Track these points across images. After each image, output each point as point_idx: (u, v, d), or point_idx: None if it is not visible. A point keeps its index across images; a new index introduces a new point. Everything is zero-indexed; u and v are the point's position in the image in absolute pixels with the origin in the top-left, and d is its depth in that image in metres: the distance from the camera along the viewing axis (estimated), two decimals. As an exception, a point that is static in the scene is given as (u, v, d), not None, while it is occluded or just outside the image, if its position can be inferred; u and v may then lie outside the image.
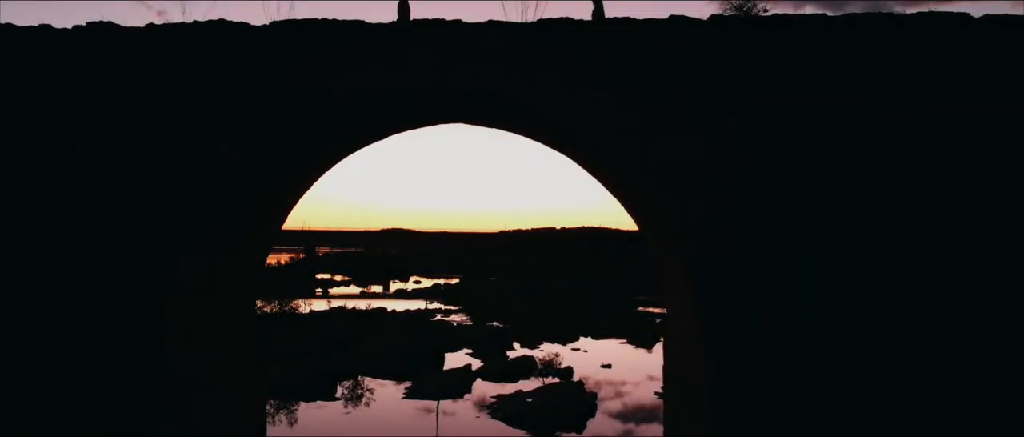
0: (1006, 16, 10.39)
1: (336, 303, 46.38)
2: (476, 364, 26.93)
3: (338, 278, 79.07)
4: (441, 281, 73.10)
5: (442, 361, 28.09)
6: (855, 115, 10.18)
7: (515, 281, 66.07)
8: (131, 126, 10.44)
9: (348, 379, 25.11)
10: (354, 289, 68.06)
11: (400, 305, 49.47)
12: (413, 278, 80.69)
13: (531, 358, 26.37)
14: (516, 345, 31.81)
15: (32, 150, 10.53)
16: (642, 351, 31.65)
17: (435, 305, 49.35)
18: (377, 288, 68.72)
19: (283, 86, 10.52)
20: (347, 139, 12.27)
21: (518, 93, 10.85)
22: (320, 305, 44.28)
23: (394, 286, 73.28)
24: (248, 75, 10.52)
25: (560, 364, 25.41)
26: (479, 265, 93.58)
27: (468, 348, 30.93)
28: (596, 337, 34.74)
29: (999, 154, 10.03)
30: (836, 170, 10.23)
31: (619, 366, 27.53)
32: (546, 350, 30.45)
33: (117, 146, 10.46)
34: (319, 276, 78.05)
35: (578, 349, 31.03)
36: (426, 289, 62.69)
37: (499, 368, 25.38)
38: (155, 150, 10.37)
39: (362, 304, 48.32)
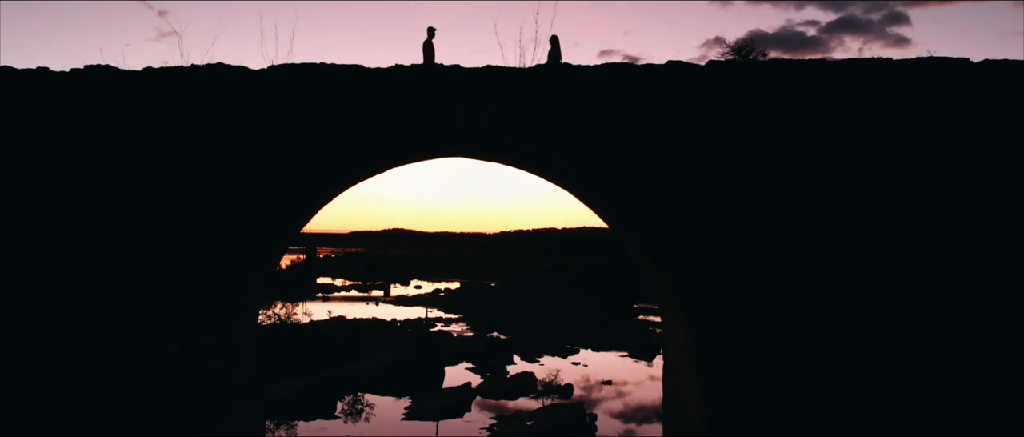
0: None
1: (337, 311, 46.36)
2: (476, 380, 26.89)
3: (339, 282, 79.09)
4: (442, 286, 73.14)
5: (442, 376, 28.09)
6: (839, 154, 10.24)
7: (515, 286, 66.09)
8: (127, 167, 10.45)
9: (348, 395, 25.14)
10: (355, 293, 68.15)
11: (401, 312, 49.49)
12: (414, 282, 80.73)
13: (531, 374, 26.34)
14: (516, 359, 31.80)
15: (29, 190, 10.58)
16: (642, 364, 31.60)
17: (435, 313, 49.32)
18: (378, 292, 68.78)
19: (281, 129, 10.48)
20: (345, 178, 12.26)
21: (513, 137, 10.83)
22: (320, 313, 44.25)
23: (395, 290, 73.34)
24: (246, 118, 10.48)
25: (560, 382, 25.41)
26: (480, 268, 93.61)
27: (468, 362, 30.90)
28: (596, 349, 34.68)
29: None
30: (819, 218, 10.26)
31: (619, 383, 27.48)
32: (546, 365, 30.42)
33: (115, 187, 10.48)
34: (320, 280, 78.12)
35: (578, 363, 30.98)
36: (427, 295, 62.70)
37: (499, 385, 25.36)
38: (151, 192, 10.35)
39: (363, 312, 48.32)
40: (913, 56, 10.37)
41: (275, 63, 10.57)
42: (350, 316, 43.34)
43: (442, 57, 11.70)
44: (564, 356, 32.73)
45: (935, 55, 10.27)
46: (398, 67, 10.75)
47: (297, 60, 10.76)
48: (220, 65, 10.62)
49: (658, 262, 10.76)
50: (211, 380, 11.97)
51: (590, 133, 10.63)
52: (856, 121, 10.25)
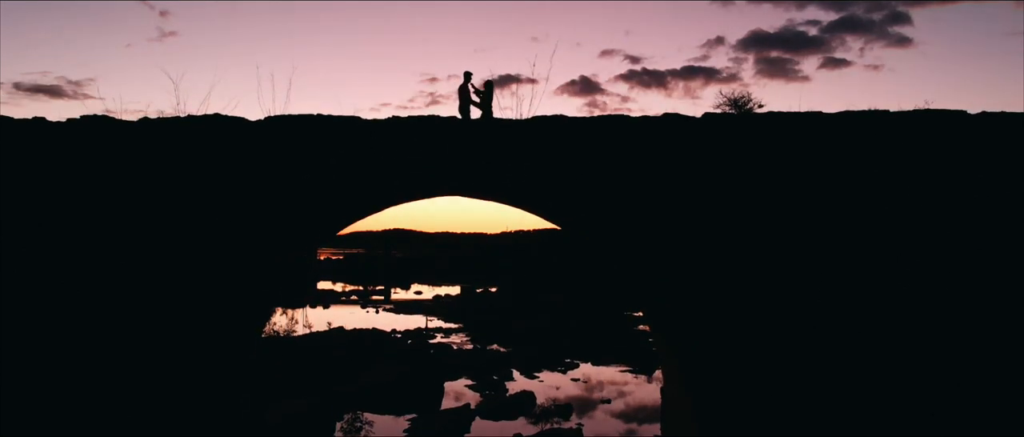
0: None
1: (337, 320, 46.40)
2: (475, 398, 26.92)
3: (339, 288, 79.04)
4: (442, 291, 73.13)
5: (441, 393, 28.11)
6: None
7: (516, 291, 66.04)
8: (119, 212, 10.44)
9: (347, 413, 25.16)
10: (355, 298, 68.10)
11: (401, 321, 49.50)
12: (415, 288, 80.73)
13: (531, 393, 26.38)
14: (516, 374, 31.83)
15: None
16: (642, 379, 31.62)
17: (436, 322, 49.36)
18: (378, 297, 68.70)
19: (279, 178, 10.48)
20: (344, 220, 12.27)
21: (509, 181, 10.86)
22: (320, 323, 44.27)
23: (396, 294, 73.28)
24: (242, 167, 10.49)
25: (559, 402, 25.44)
26: (481, 271, 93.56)
27: (467, 377, 30.91)
28: (596, 363, 34.67)
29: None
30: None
31: (618, 401, 27.49)
32: (546, 381, 30.45)
33: (111, 233, 10.47)
34: (320, 285, 78.01)
35: (578, 379, 31.00)
36: (427, 302, 62.69)
37: (498, 405, 25.36)
38: (148, 239, 10.34)
39: (363, 320, 48.30)
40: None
41: (272, 114, 10.60)
42: (350, 326, 43.37)
43: (444, 103, 11.71)
44: (564, 371, 32.73)
45: (933, 107, 10.28)
46: (395, 118, 10.74)
47: (294, 110, 10.80)
48: (217, 116, 10.62)
49: (647, 304, 10.81)
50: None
51: (576, 178, 10.65)
52: (850, 169, 10.26)
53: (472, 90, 11.52)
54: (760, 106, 10.93)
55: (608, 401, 27.48)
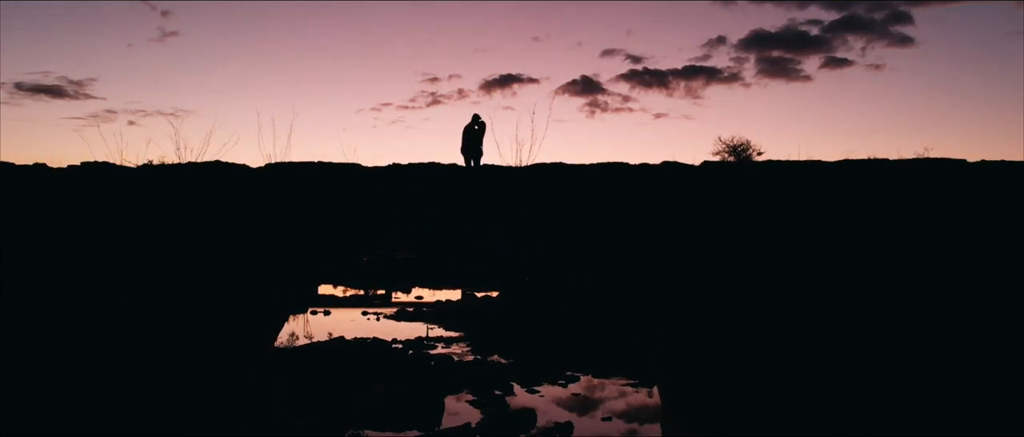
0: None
1: (337, 328, 46.41)
2: (475, 415, 27.04)
3: (339, 292, 79.32)
4: (443, 295, 73.35)
5: (442, 409, 28.27)
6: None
7: (516, 294, 66.22)
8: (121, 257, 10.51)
9: (346, 432, 25.32)
10: (355, 301, 68.27)
11: (401, 329, 49.63)
12: (416, 292, 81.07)
13: (532, 411, 26.52)
14: (517, 388, 32.02)
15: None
16: (643, 393, 31.80)
17: (437, 331, 49.54)
18: (379, 300, 68.83)
19: (281, 220, 10.52)
20: (344, 257, 12.32)
21: (509, 224, 10.88)
22: (320, 331, 44.30)
23: (397, 297, 73.41)
24: (245, 212, 10.53)
25: (560, 420, 25.56)
26: (481, 273, 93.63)
27: (468, 391, 31.03)
28: (598, 375, 34.82)
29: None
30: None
31: (620, 417, 27.65)
32: (547, 395, 30.53)
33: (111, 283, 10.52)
34: (321, 290, 78.09)
35: (578, 394, 31.18)
36: (428, 308, 62.99)
37: (498, 422, 25.51)
38: (149, 287, 10.39)
39: (363, 328, 48.39)
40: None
41: (273, 160, 10.65)
42: (350, 334, 43.52)
43: (446, 151, 11.74)
44: (565, 384, 32.76)
45: (932, 156, 10.31)
46: (395, 166, 10.78)
47: (295, 157, 10.84)
48: (218, 163, 10.67)
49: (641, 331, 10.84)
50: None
51: (576, 222, 10.70)
52: (849, 216, 10.29)
53: (477, 128, 11.49)
54: (759, 153, 10.98)
55: (609, 418, 27.54)
